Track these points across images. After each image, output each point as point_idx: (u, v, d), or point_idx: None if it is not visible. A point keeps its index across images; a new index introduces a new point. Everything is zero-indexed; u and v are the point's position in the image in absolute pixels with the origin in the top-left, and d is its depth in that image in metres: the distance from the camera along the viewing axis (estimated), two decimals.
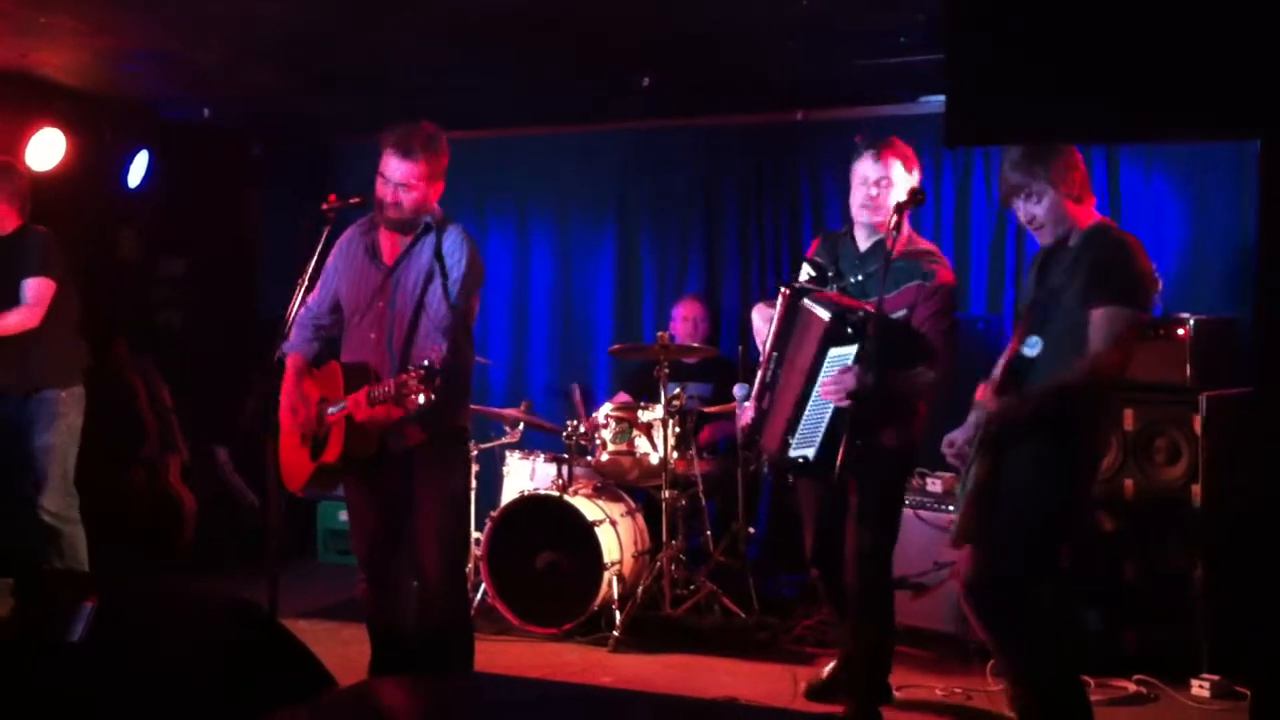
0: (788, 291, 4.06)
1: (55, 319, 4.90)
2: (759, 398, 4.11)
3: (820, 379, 3.82)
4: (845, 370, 3.74)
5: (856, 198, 4.11)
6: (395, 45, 5.34)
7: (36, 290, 4.86)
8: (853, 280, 4.08)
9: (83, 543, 5.00)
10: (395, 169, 3.83)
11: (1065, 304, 3.52)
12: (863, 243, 4.13)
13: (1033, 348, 3.50)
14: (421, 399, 3.54)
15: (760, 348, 4.23)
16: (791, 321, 4.01)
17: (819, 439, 3.84)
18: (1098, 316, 3.44)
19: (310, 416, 3.91)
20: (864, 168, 4.08)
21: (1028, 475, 3.50)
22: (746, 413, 4.21)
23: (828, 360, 3.81)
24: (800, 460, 3.91)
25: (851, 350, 3.76)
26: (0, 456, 5.01)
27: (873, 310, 3.72)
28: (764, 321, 4.20)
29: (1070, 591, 3.96)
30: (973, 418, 3.60)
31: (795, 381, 3.93)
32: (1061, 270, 3.58)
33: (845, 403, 3.72)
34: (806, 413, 3.87)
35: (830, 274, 4.12)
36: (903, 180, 4.03)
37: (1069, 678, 3.67)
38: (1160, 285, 5.02)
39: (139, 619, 2.91)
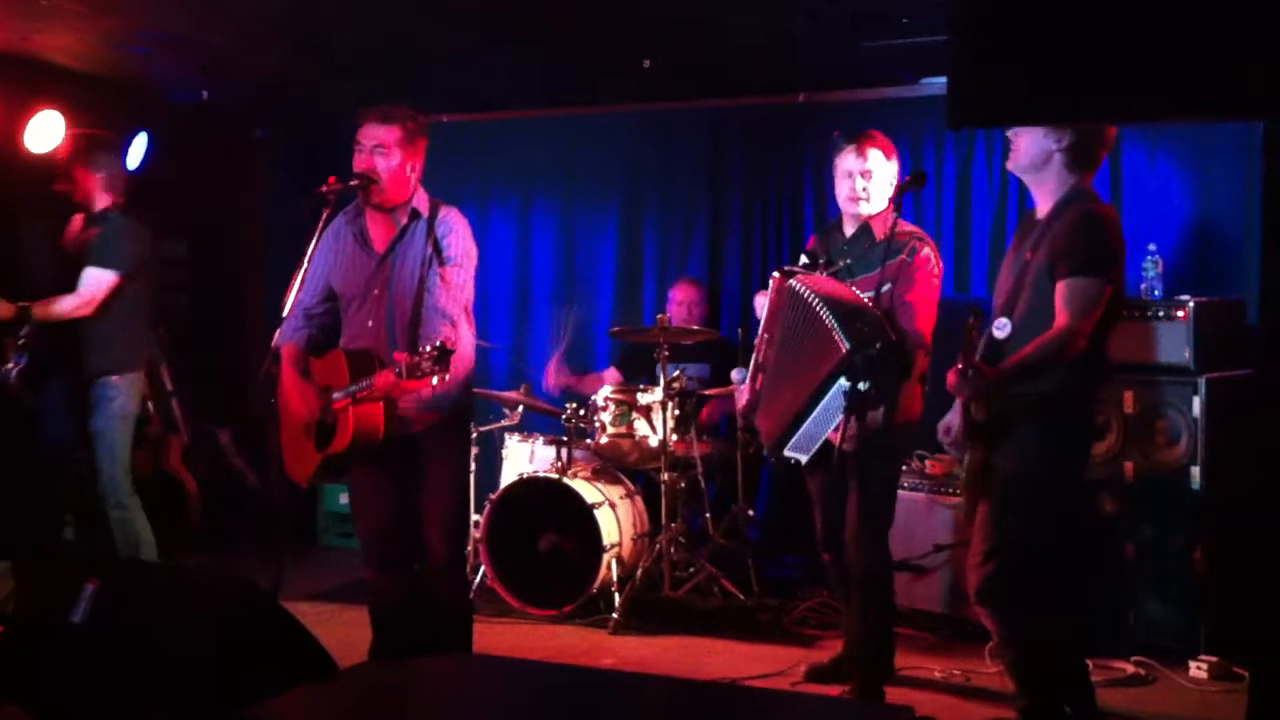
0: (779, 275, 4.16)
1: (117, 308, 5.01)
2: (753, 379, 4.20)
3: (824, 400, 3.84)
4: (844, 420, 3.74)
5: (843, 191, 4.24)
6: (400, 25, 5.32)
7: (89, 281, 4.98)
8: (841, 264, 4.22)
9: (137, 528, 5.10)
10: (371, 133, 3.85)
11: (1033, 280, 3.49)
12: (849, 229, 4.27)
13: (1001, 329, 3.44)
14: (435, 380, 3.54)
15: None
16: (789, 308, 4.07)
17: (813, 450, 3.98)
18: (1063, 288, 3.40)
19: (315, 405, 3.90)
20: (847, 162, 4.21)
21: (1028, 462, 3.49)
22: (743, 394, 4.28)
23: (836, 386, 3.80)
24: (792, 461, 4.06)
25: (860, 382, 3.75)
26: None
27: (885, 328, 3.77)
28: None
29: (1076, 575, 3.98)
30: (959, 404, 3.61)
31: (798, 389, 3.96)
32: (1029, 245, 3.55)
33: (852, 447, 3.80)
34: (805, 427, 3.94)
35: (821, 261, 4.25)
36: (883, 169, 4.17)
37: (1074, 660, 3.70)
38: (1162, 266, 5.05)
39: (141, 601, 2.92)
